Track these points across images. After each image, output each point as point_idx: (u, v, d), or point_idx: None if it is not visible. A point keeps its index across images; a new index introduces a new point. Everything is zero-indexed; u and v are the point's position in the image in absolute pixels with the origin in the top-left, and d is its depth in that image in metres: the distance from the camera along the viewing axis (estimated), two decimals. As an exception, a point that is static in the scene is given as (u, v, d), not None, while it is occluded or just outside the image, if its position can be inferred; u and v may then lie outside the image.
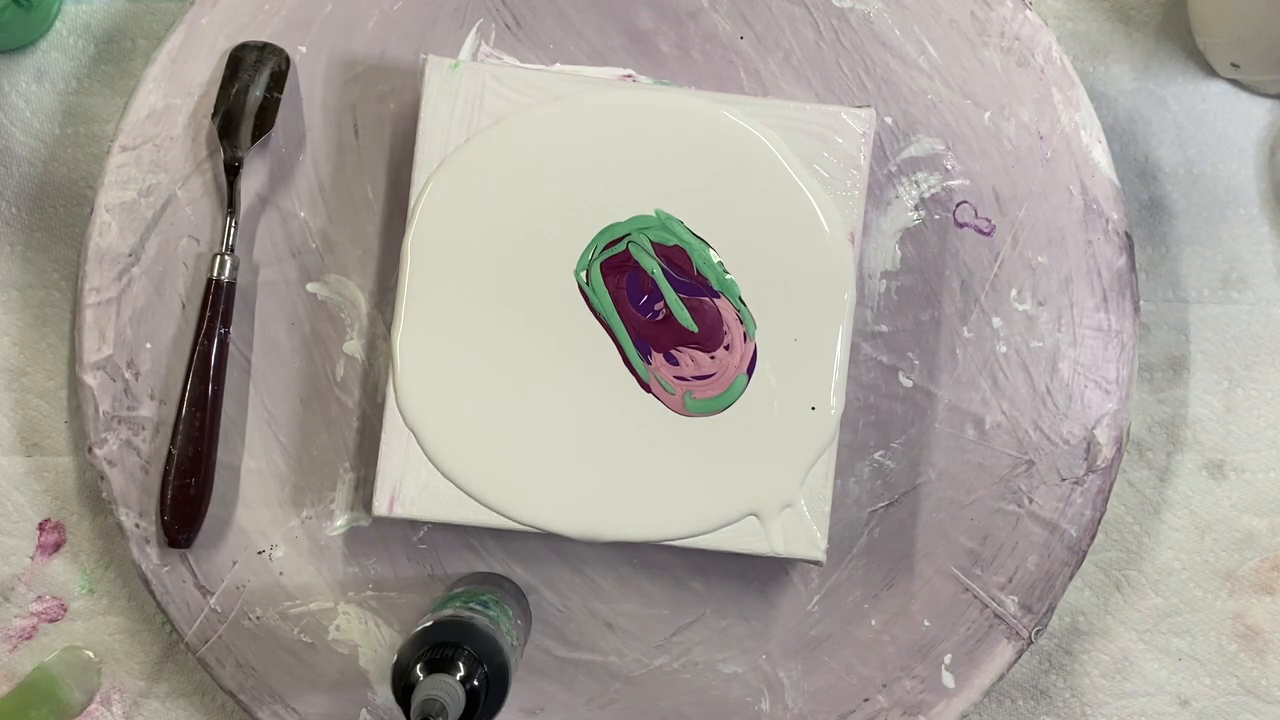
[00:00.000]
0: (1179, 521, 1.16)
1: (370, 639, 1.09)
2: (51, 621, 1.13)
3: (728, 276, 1.04)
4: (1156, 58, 1.17)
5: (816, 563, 1.04)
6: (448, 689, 0.89)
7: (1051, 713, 1.16)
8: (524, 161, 1.04)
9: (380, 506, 1.03)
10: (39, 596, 1.13)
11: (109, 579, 1.13)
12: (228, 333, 1.08)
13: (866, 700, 1.10)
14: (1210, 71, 1.17)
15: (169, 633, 1.13)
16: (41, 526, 1.12)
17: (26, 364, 1.13)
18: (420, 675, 0.90)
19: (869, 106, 1.06)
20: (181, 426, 1.06)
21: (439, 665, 0.91)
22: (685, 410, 1.04)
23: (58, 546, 1.13)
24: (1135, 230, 1.15)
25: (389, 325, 1.08)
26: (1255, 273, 1.16)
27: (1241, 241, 1.17)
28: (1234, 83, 1.17)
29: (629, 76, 1.10)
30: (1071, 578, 1.11)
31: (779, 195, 1.04)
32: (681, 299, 1.04)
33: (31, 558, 1.13)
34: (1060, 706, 1.16)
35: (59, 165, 1.13)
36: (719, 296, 1.04)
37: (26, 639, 1.12)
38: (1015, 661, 1.10)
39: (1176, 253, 1.16)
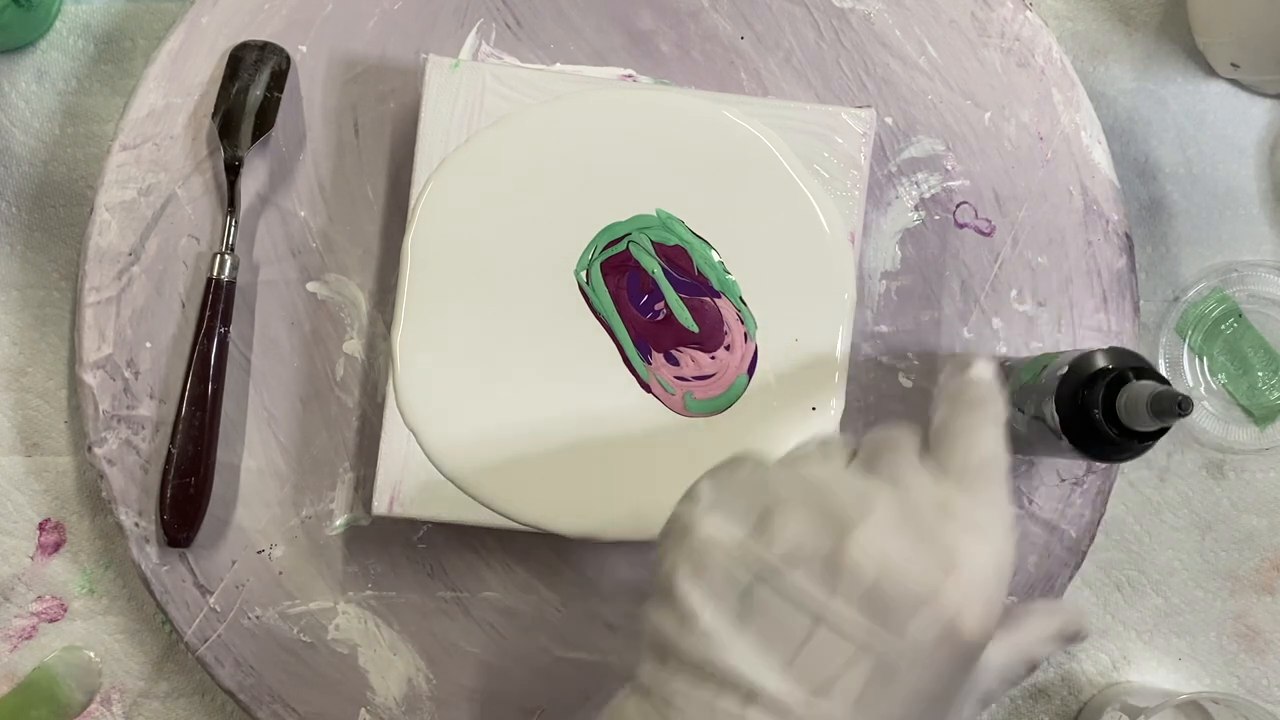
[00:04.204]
0: (1179, 521, 1.16)
1: (369, 638, 1.09)
2: (51, 621, 1.13)
3: (728, 276, 1.04)
4: (1156, 58, 1.17)
5: (816, 563, 1.04)
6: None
7: (1051, 713, 1.16)
8: (524, 161, 1.04)
9: (380, 506, 1.03)
10: (39, 596, 1.13)
11: (109, 579, 1.13)
12: (227, 332, 1.08)
13: (866, 700, 1.10)
14: (1210, 71, 1.17)
15: (169, 633, 1.13)
16: (41, 526, 1.12)
17: (26, 364, 1.13)
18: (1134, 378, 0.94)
19: (869, 107, 1.06)
20: (181, 426, 1.06)
21: (1149, 378, 0.94)
22: (686, 410, 1.04)
23: (58, 546, 1.13)
24: (1135, 230, 1.15)
25: (389, 325, 1.08)
26: (1255, 273, 1.16)
27: (1241, 241, 1.17)
28: (1234, 83, 1.17)
29: (629, 76, 1.11)
30: (1071, 578, 1.11)
31: (779, 195, 1.04)
32: (682, 299, 1.04)
33: (31, 558, 1.13)
34: (1060, 706, 1.16)
35: (59, 165, 1.13)
36: (719, 296, 1.04)
37: (26, 639, 1.12)
38: (1015, 662, 1.11)
39: (1176, 253, 1.16)
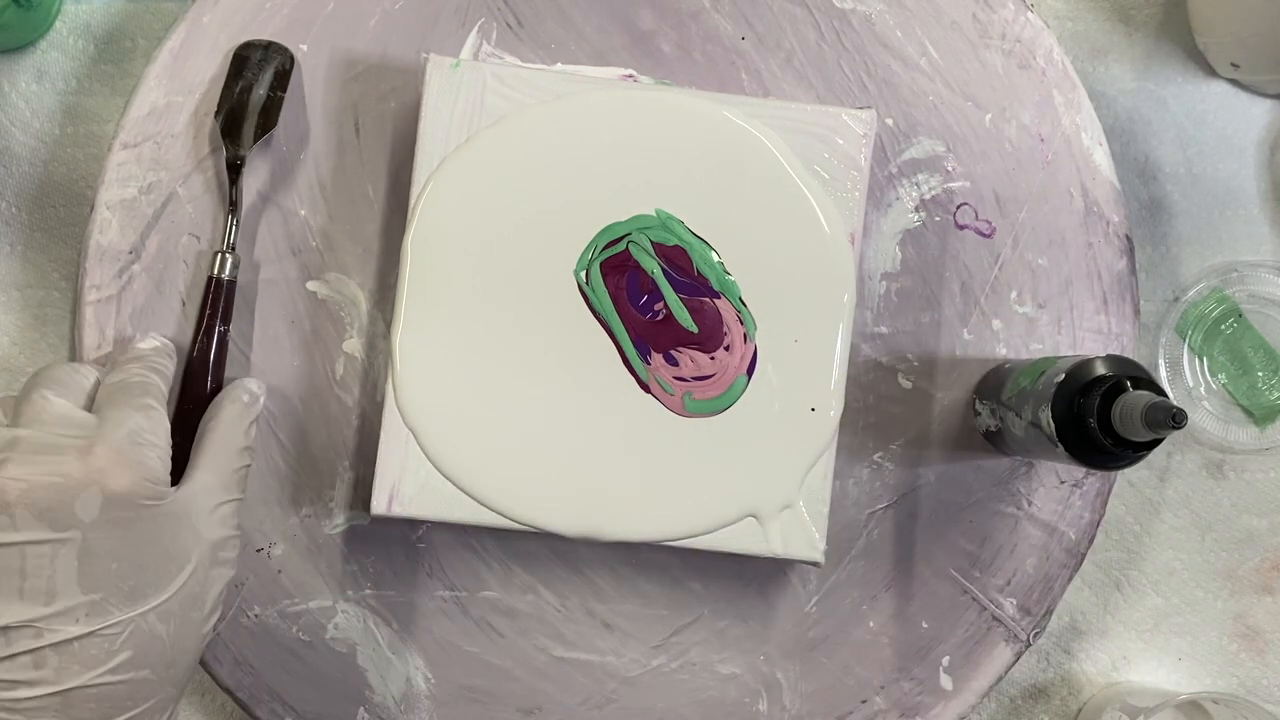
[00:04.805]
0: (1179, 521, 1.16)
1: (369, 638, 1.09)
2: (50, 621, 1.13)
3: (728, 277, 1.04)
4: (1156, 58, 1.17)
5: (815, 564, 1.04)
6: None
7: (1051, 713, 1.16)
8: (524, 161, 1.04)
9: (379, 505, 1.03)
10: (38, 596, 1.13)
11: (108, 578, 1.13)
12: (227, 331, 1.08)
13: (864, 702, 1.10)
14: (1210, 71, 1.17)
15: (167, 632, 1.13)
16: (41, 526, 1.13)
17: (26, 364, 1.13)
18: (1130, 387, 0.93)
19: (870, 108, 1.06)
20: (180, 423, 1.06)
21: (1146, 387, 0.94)
22: (685, 411, 1.04)
23: (57, 546, 1.13)
24: (1135, 230, 1.15)
25: (389, 324, 1.08)
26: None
27: (1241, 241, 1.17)
28: (1234, 83, 1.17)
29: (630, 76, 1.10)
30: (1070, 580, 1.11)
31: (779, 196, 1.04)
32: (681, 299, 1.04)
33: (30, 557, 1.13)
34: (1059, 706, 1.16)
35: (59, 165, 1.13)
36: (719, 297, 1.04)
37: (25, 639, 1.13)
38: (1013, 664, 1.11)
39: (1176, 253, 1.16)
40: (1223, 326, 1.15)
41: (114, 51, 1.13)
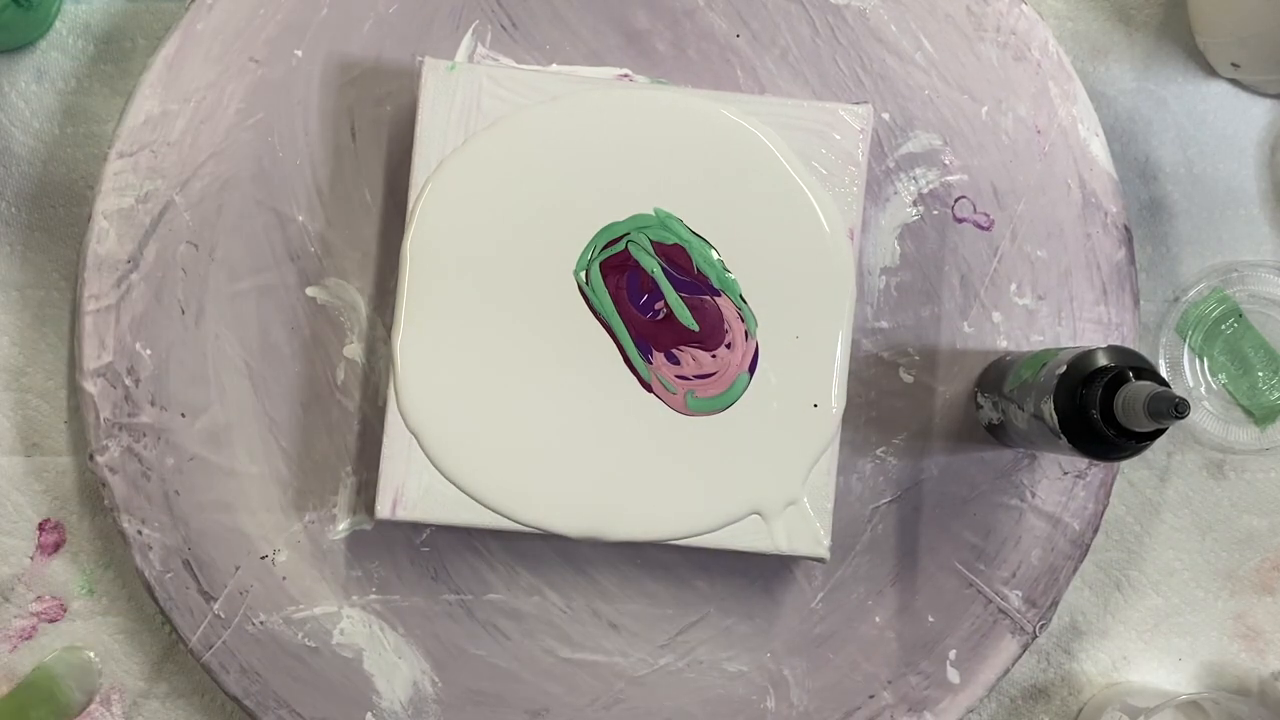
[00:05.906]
0: (1179, 521, 1.16)
1: (374, 642, 1.09)
2: (51, 621, 1.12)
3: (728, 274, 1.04)
4: (1156, 58, 1.17)
5: (820, 560, 1.04)
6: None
7: (1051, 713, 1.16)
8: (522, 162, 1.04)
9: (383, 510, 1.02)
10: (39, 596, 1.12)
11: (109, 579, 1.13)
12: None
13: (872, 697, 1.10)
14: (1210, 71, 1.17)
15: (169, 633, 1.13)
16: (41, 526, 1.12)
17: (26, 364, 1.12)
18: (1133, 378, 0.93)
19: (866, 103, 1.07)
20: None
21: (1148, 377, 0.94)
22: (687, 409, 1.04)
23: (57, 546, 1.12)
24: (1136, 231, 1.15)
25: (389, 328, 1.08)
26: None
27: (1241, 241, 1.17)
28: (1234, 83, 1.17)
29: (625, 76, 1.11)
30: (1075, 571, 1.11)
31: (778, 193, 1.04)
32: (682, 298, 1.04)
33: (31, 558, 1.12)
34: (1059, 706, 1.15)
35: (59, 165, 1.13)
36: (719, 295, 1.04)
37: (26, 639, 1.12)
38: (1020, 656, 1.10)
39: (1176, 253, 1.16)
40: (1223, 326, 1.15)
41: (114, 51, 1.13)
